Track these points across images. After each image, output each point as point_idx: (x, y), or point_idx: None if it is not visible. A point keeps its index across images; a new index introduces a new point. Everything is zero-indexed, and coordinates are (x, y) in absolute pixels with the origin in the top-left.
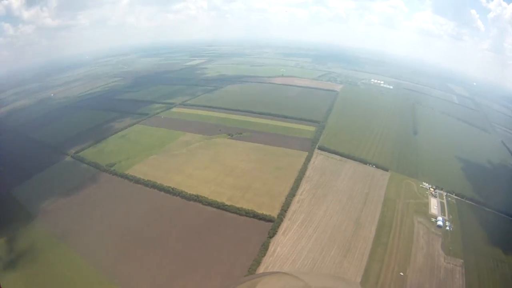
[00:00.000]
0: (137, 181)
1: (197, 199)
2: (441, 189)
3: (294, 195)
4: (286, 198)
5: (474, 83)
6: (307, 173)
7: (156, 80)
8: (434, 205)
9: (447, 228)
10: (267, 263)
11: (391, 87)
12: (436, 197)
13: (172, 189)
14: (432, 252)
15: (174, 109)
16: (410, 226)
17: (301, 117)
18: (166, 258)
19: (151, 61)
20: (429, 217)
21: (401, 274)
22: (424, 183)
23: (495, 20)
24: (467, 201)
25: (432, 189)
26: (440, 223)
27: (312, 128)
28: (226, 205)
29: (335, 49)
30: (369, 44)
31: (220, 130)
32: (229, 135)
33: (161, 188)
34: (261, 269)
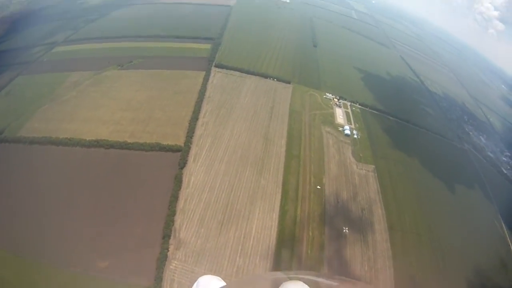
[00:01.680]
0: (32, 141)
1: (98, 144)
2: (345, 99)
3: (197, 119)
4: (189, 123)
5: (373, 1)
6: (207, 93)
7: (33, 20)
8: (339, 115)
9: (355, 136)
10: (186, 196)
11: (288, 0)
12: (341, 107)
13: (69, 139)
14: (344, 160)
15: (56, 49)
16: (319, 137)
17: (195, 35)
18: (81, 219)
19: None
20: (336, 126)
21: (318, 187)
22: (328, 94)
23: None
24: (370, 110)
25: (336, 100)
26: (347, 131)
27: (207, 46)
28: (129, 143)
29: None
30: None
31: (109, 62)
32: (119, 65)
33: (57, 142)
34: (181, 204)
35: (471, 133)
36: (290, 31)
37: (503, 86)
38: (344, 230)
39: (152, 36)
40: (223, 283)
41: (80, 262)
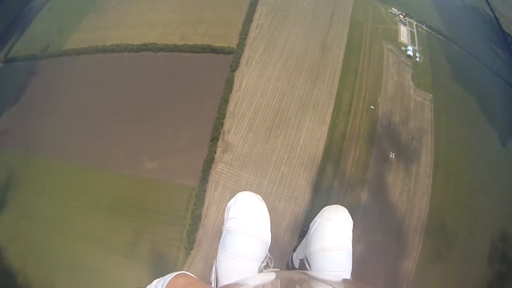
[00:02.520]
0: (78, 52)
1: (146, 47)
2: (411, 18)
3: (251, 21)
4: (243, 25)
5: None
6: None
7: None
8: (403, 33)
9: (417, 59)
10: (236, 99)
11: None
12: (406, 25)
13: (117, 46)
14: (402, 82)
15: None
16: (379, 53)
17: None
18: (131, 123)
19: None
20: (398, 45)
21: (372, 107)
22: (393, 9)
23: None
24: (437, 34)
25: (401, 16)
26: (410, 52)
27: None
28: (179, 45)
29: None
30: None
31: None
32: None
33: (104, 50)
34: (231, 107)
35: None
36: None
37: None
38: (391, 155)
39: None
40: (263, 203)
41: (129, 164)
